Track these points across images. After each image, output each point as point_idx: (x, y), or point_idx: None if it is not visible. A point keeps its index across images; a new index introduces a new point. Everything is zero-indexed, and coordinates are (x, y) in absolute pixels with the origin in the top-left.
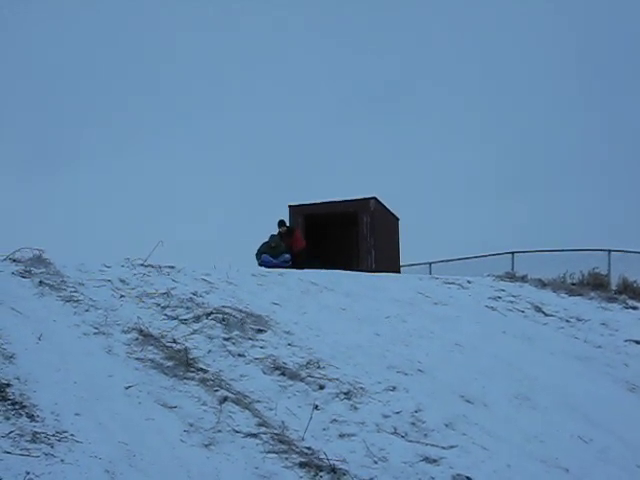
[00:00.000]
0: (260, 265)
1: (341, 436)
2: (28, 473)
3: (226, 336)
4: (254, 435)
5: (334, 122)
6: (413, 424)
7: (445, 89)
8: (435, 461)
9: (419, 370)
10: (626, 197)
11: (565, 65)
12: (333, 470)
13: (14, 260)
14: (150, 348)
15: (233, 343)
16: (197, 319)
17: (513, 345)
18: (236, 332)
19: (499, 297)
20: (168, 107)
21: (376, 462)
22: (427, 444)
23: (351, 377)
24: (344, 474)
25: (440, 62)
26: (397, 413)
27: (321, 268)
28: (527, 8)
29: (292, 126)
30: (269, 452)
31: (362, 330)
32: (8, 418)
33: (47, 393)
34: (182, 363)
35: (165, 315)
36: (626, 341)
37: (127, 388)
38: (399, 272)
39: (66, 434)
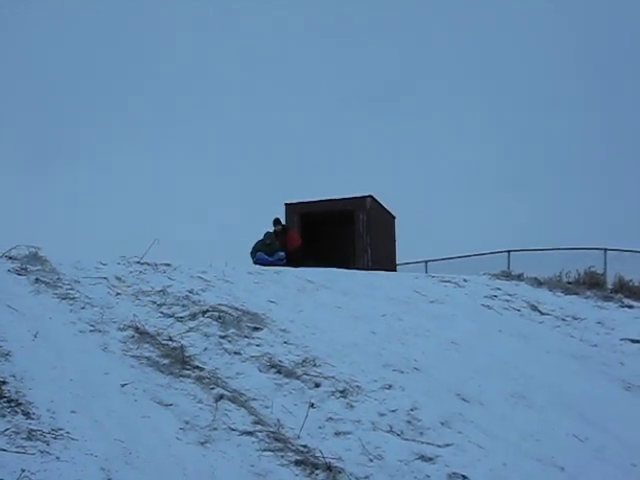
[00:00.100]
0: (255, 263)
1: (337, 434)
2: (24, 471)
3: (222, 334)
4: (250, 433)
5: (332, 121)
6: (409, 422)
7: (444, 89)
8: (431, 459)
9: (415, 368)
10: (622, 196)
11: (565, 65)
12: (329, 468)
13: (10, 257)
14: (146, 346)
15: (229, 341)
16: (193, 317)
17: (509, 344)
18: (232, 330)
19: (495, 296)
20: (168, 107)
21: (372, 460)
22: (423, 442)
23: (347, 375)
24: (340, 472)
25: (440, 62)
26: (393, 411)
27: (317, 266)
28: (527, 8)
29: (291, 125)
30: (265, 450)
31: (358, 328)
32: (4, 415)
33: (43, 391)
34: (178, 361)
35: (161, 313)
36: (622, 340)
37: (123, 386)
38: (395, 270)
39: (62, 432)
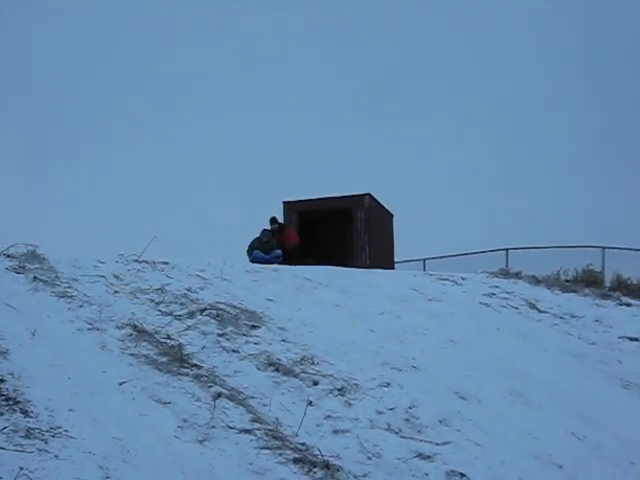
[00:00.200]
0: (252, 262)
1: (335, 432)
2: (22, 469)
3: (220, 332)
4: (248, 431)
5: (331, 120)
6: (407, 420)
7: (443, 88)
8: (429, 457)
9: (413, 366)
10: (620, 194)
11: (565, 65)
12: (327, 466)
13: (8, 256)
14: (144, 344)
15: (227, 339)
16: (191, 315)
17: (507, 341)
18: (230, 328)
19: (493, 294)
20: (168, 107)
21: (370, 458)
22: (421, 440)
23: (345, 373)
24: (338, 470)
25: (440, 62)
26: (391, 409)
27: (315, 264)
28: (527, 8)
29: (290, 124)
30: (263, 448)
31: (356, 326)
32: (2, 414)
33: (41, 389)
34: (176, 359)
35: (159, 311)
36: (620, 338)
37: (121, 384)
38: (393, 268)
39: (60, 430)
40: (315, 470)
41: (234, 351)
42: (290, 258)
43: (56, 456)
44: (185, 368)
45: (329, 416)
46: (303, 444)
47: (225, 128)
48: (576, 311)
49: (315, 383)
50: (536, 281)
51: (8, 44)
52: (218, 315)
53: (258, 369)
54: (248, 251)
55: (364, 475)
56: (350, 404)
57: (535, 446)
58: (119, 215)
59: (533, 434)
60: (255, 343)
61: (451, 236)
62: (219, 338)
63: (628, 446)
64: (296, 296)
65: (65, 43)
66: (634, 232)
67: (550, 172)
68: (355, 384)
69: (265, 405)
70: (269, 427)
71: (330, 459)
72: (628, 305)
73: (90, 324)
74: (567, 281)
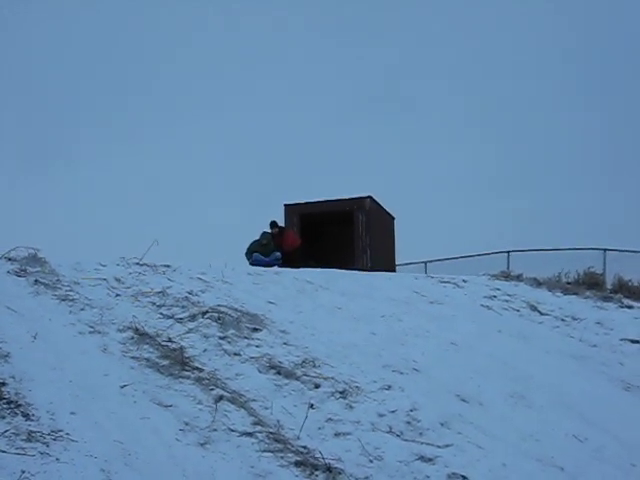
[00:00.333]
0: (251, 264)
1: (336, 435)
2: (23, 472)
3: (221, 335)
4: (249, 434)
5: (332, 121)
6: (408, 423)
7: (443, 88)
8: (430, 460)
9: (414, 369)
10: (622, 196)
11: (565, 65)
12: (328, 469)
13: (9, 259)
14: (145, 347)
15: (229, 342)
16: (192, 318)
17: (508, 344)
18: (232, 331)
19: (494, 296)
20: (168, 107)
21: (371, 461)
22: (422, 443)
23: (347, 376)
24: (339, 473)
25: (440, 62)
26: (392, 412)
27: (317, 267)
28: (527, 8)
29: (290, 125)
30: (264, 451)
31: (358, 329)
32: (3, 417)
33: (42, 392)
34: (177, 362)
35: (160, 314)
36: (621, 340)
37: (122, 387)
38: (395, 271)
39: (61, 433)
40: (317, 473)
41: (235, 354)
42: (290, 260)
43: (57, 459)
44: (186, 371)
45: (330, 419)
46: (305, 447)
47: (225, 128)
48: (577, 313)
49: (316, 386)
50: (537, 283)
51: (8, 44)
52: (219, 318)
53: (259, 372)
54: (247, 254)
55: (366, 478)
56: (351, 407)
57: (536, 448)
58: (119, 215)
59: (534, 436)
60: (256, 346)
61: (452, 239)
62: (220, 341)
63: (629, 448)
64: (297, 299)
65: (65, 43)
66: (635, 234)
67: (551, 173)
68: (356, 387)
69: (266, 408)
70: (270, 430)
71: (332, 462)
72: (629, 307)
73: (91, 327)
74: (568, 283)
